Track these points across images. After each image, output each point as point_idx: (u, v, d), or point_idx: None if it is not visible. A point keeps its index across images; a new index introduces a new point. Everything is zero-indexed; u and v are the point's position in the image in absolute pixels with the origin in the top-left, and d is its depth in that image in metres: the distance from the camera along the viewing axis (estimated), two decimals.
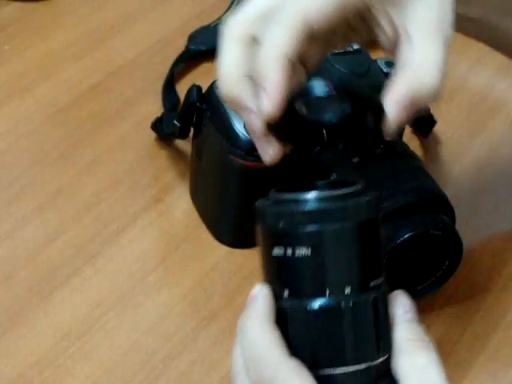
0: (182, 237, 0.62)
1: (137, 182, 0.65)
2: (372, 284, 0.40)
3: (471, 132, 0.71)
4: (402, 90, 0.43)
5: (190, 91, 0.60)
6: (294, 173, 0.51)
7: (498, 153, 0.70)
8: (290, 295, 0.40)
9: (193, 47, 0.75)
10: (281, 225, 0.39)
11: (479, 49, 0.58)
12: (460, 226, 0.55)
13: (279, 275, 0.40)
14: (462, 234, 0.54)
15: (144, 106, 0.71)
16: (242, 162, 0.56)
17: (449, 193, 0.55)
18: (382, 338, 0.40)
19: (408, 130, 0.68)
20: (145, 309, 0.58)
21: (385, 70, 0.57)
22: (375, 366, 0.39)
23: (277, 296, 0.40)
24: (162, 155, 0.67)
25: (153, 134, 0.68)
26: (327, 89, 0.42)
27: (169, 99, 0.71)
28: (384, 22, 0.44)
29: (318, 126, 0.42)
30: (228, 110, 0.57)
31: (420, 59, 0.43)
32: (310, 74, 0.45)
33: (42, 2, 0.80)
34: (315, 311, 0.39)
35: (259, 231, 0.41)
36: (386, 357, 0.40)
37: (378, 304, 0.40)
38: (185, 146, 0.67)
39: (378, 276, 0.40)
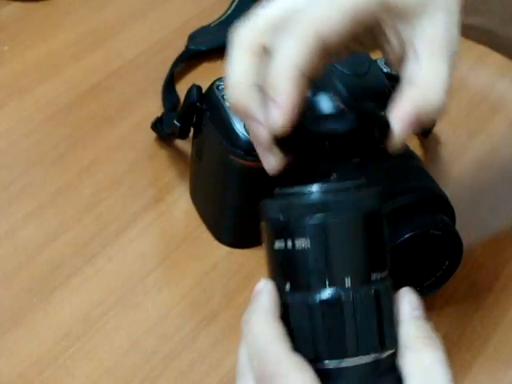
0: (182, 237, 0.62)
1: (137, 182, 0.65)
2: (374, 277, 0.40)
3: (471, 132, 0.71)
4: (408, 106, 0.43)
5: (189, 91, 0.60)
6: (294, 173, 0.51)
7: (498, 153, 0.70)
8: (291, 288, 0.40)
9: (193, 47, 0.75)
10: (281, 218, 0.40)
11: (479, 49, 0.58)
12: (460, 226, 0.55)
13: (281, 269, 0.41)
14: (461, 234, 0.54)
15: (144, 106, 0.71)
16: (242, 161, 0.56)
17: (449, 193, 0.55)
18: (385, 332, 0.40)
19: None
20: (145, 309, 0.58)
21: (385, 70, 0.57)
22: (378, 360, 0.39)
23: (280, 290, 0.41)
24: (162, 155, 0.67)
25: (153, 134, 0.68)
26: (335, 103, 0.42)
27: (169, 99, 0.71)
28: (392, 37, 0.45)
29: (322, 138, 0.42)
30: (228, 110, 0.57)
31: (426, 76, 0.44)
32: (317, 87, 0.45)
33: (41, 2, 0.80)
34: (315, 303, 0.39)
35: (262, 227, 0.42)
36: (391, 352, 0.40)
37: (381, 297, 0.40)
38: (185, 146, 0.67)
39: (380, 269, 0.40)
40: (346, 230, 0.40)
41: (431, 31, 0.44)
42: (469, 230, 0.59)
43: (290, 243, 0.40)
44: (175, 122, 0.62)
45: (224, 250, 0.62)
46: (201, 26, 0.78)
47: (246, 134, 0.56)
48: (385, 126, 0.43)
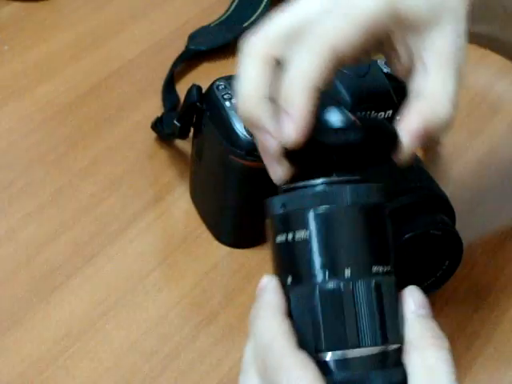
0: (182, 237, 0.62)
1: (137, 182, 0.65)
2: (375, 270, 0.40)
3: (471, 132, 0.71)
4: (416, 119, 0.43)
5: (189, 91, 0.60)
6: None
7: (498, 153, 0.70)
8: (292, 282, 0.40)
9: (193, 47, 0.75)
10: (282, 211, 0.41)
11: (479, 50, 0.58)
12: (460, 226, 0.55)
13: (283, 263, 0.41)
14: (461, 234, 0.54)
15: (144, 106, 0.71)
16: (242, 162, 0.56)
17: (449, 193, 0.56)
18: (387, 326, 0.40)
19: None
20: (145, 309, 0.58)
21: (385, 70, 0.57)
22: (381, 353, 0.39)
23: (283, 285, 0.41)
24: (162, 155, 0.67)
25: (153, 134, 0.68)
26: (345, 116, 0.42)
27: (169, 99, 0.71)
28: (401, 49, 0.45)
29: (330, 149, 0.42)
30: (228, 110, 0.57)
31: (434, 89, 0.44)
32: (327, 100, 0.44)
33: (41, 2, 0.80)
34: (315, 294, 0.39)
35: (267, 225, 0.42)
36: (395, 347, 0.40)
37: (382, 291, 0.40)
38: (185, 146, 0.67)
39: (382, 263, 0.40)
40: (345, 220, 0.40)
41: (440, 44, 0.44)
42: (469, 229, 0.59)
43: (290, 236, 0.40)
44: (175, 122, 0.62)
45: (224, 249, 0.62)
46: (201, 26, 0.78)
47: (245, 133, 0.56)
48: (394, 139, 0.43)
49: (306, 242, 0.40)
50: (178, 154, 0.67)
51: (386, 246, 0.41)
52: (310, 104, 0.41)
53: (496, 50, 0.59)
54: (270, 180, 0.45)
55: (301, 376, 0.38)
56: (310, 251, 0.40)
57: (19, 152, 0.67)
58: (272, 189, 0.44)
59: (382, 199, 0.41)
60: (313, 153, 0.42)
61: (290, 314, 0.40)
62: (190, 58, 0.75)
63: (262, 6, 0.78)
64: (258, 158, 0.49)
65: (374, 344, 0.39)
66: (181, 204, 0.64)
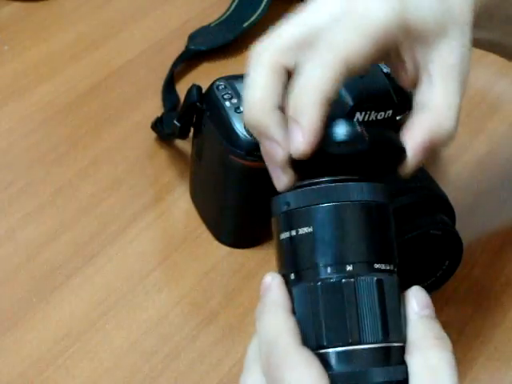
0: (182, 237, 0.62)
1: (137, 182, 0.65)
2: (377, 267, 0.40)
3: (471, 132, 0.71)
4: (421, 132, 0.44)
5: (189, 91, 0.60)
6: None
7: (498, 153, 0.70)
8: (295, 278, 0.41)
9: (193, 47, 0.75)
10: (286, 208, 0.41)
11: (479, 50, 0.58)
12: (460, 226, 0.55)
13: (286, 259, 0.42)
14: (461, 234, 0.54)
15: (144, 106, 0.71)
16: (242, 162, 0.56)
17: (449, 193, 0.56)
18: (389, 324, 0.40)
19: None
20: (145, 309, 0.58)
21: (385, 70, 0.57)
22: (383, 350, 0.39)
23: (286, 282, 0.41)
24: (162, 155, 0.67)
25: (153, 134, 0.68)
26: (353, 128, 0.42)
27: (169, 99, 0.71)
28: (407, 60, 0.45)
29: (334, 158, 0.42)
30: (228, 110, 0.57)
31: (439, 102, 0.44)
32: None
33: (41, 2, 0.80)
34: (316, 288, 0.40)
35: (272, 223, 0.43)
36: (397, 345, 0.40)
37: (384, 288, 0.40)
38: (185, 146, 0.67)
39: (384, 262, 0.40)
40: (348, 218, 0.40)
41: (447, 57, 0.44)
42: (469, 229, 0.59)
43: (294, 233, 0.41)
44: (175, 122, 0.62)
45: (224, 249, 0.62)
46: (201, 26, 0.78)
47: (246, 133, 0.56)
48: (399, 153, 0.43)
49: (309, 238, 0.40)
50: (178, 154, 0.67)
51: (388, 245, 0.41)
52: (321, 115, 0.41)
53: (497, 52, 0.59)
54: (270, 180, 0.45)
55: (305, 373, 0.38)
56: (312, 247, 0.40)
57: (19, 152, 0.67)
58: (272, 189, 0.44)
59: (385, 199, 0.42)
60: (318, 161, 0.42)
61: (294, 310, 0.41)
62: (190, 58, 0.75)
63: (262, 5, 0.78)
64: (258, 158, 0.49)
65: (375, 341, 0.39)
66: (181, 204, 0.64)
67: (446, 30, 0.44)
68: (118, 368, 0.54)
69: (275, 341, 0.40)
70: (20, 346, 0.55)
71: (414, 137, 0.43)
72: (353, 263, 0.40)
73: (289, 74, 0.43)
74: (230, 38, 0.76)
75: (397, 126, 0.46)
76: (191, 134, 0.62)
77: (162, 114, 0.68)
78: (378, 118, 0.50)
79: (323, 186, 0.41)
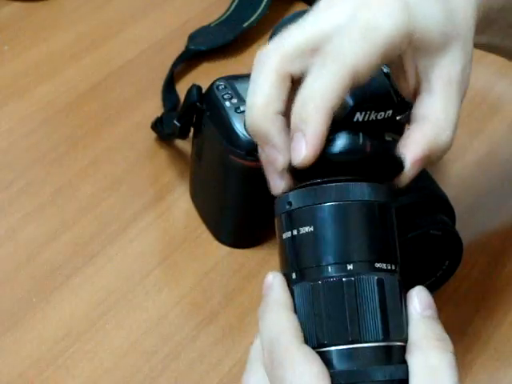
0: (182, 237, 0.62)
1: (137, 182, 0.65)
2: (378, 266, 0.40)
3: (471, 132, 0.71)
4: (419, 145, 0.44)
5: (189, 91, 0.60)
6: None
7: (498, 153, 0.70)
8: (296, 277, 0.41)
9: (193, 47, 0.75)
10: (289, 208, 0.41)
11: (479, 50, 0.58)
12: (460, 226, 0.55)
13: (288, 259, 0.42)
14: (461, 234, 0.54)
15: (144, 106, 0.71)
16: (241, 162, 0.56)
17: (449, 193, 0.56)
18: (390, 323, 0.40)
19: None
20: (145, 309, 0.58)
21: (385, 70, 0.57)
22: (383, 349, 0.40)
23: (288, 281, 0.42)
24: (162, 155, 0.67)
25: (153, 134, 0.68)
26: (356, 138, 0.42)
27: (169, 99, 0.71)
28: (409, 69, 0.45)
29: (332, 164, 0.42)
30: (228, 110, 0.57)
31: (438, 115, 0.44)
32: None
33: (41, 2, 0.80)
34: (317, 287, 0.40)
35: (276, 223, 0.43)
36: (398, 344, 0.40)
37: (385, 287, 0.40)
38: (185, 146, 0.67)
39: (385, 261, 0.41)
40: (349, 217, 0.41)
41: (449, 69, 0.44)
42: (469, 229, 0.59)
43: (295, 232, 0.41)
44: (175, 122, 0.62)
45: (224, 250, 0.62)
46: (201, 26, 0.78)
47: (246, 134, 0.56)
48: (397, 164, 0.43)
49: (310, 237, 0.41)
50: (178, 154, 0.67)
51: (390, 244, 0.42)
52: (325, 125, 0.41)
53: (496, 53, 0.59)
54: None
55: (306, 370, 0.39)
56: (313, 247, 0.41)
57: (19, 152, 0.67)
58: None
59: (387, 199, 0.42)
60: (317, 167, 0.42)
61: (295, 309, 0.41)
62: (190, 58, 0.75)
63: (262, 5, 0.78)
64: (258, 158, 0.49)
65: (375, 340, 0.39)
66: (181, 204, 0.64)
67: (450, 42, 0.44)
68: (117, 368, 0.54)
69: (277, 339, 0.40)
70: (20, 346, 0.55)
71: (413, 149, 0.44)
72: (353, 262, 0.40)
73: (293, 81, 0.43)
74: (230, 37, 0.76)
75: (397, 126, 0.46)
76: (191, 134, 0.62)
77: (162, 114, 0.68)
78: (378, 117, 0.50)
79: (324, 185, 0.41)
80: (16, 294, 0.58)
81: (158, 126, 0.67)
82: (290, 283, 0.41)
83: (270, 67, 0.43)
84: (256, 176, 0.54)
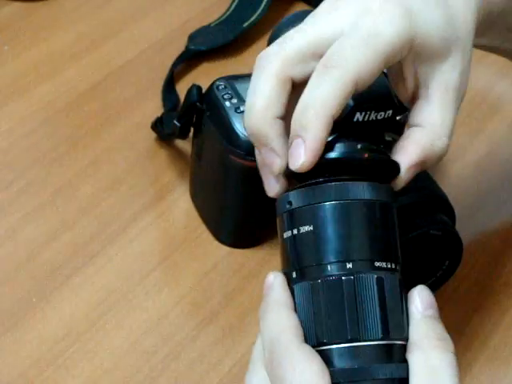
0: (182, 237, 0.62)
1: (137, 182, 0.65)
2: (378, 265, 0.40)
3: (471, 132, 0.71)
4: (414, 151, 0.44)
5: (189, 91, 0.60)
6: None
7: (498, 153, 0.70)
8: (297, 276, 0.41)
9: (193, 47, 0.75)
10: (288, 208, 0.42)
11: (479, 50, 0.58)
12: (460, 226, 0.55)
13: (288, 258, 0.42)
14: (461, 234, 0.54)
15: (144, 106, 0.71)
16: (241, 162, 0.56)
17: (449, 193, 0.56)
18: (389, 321, 0.40)
19: None
20: (145, 309, 0.58)
21: (385, 70, 0.57)
22: (383, 348, 0.40)
23: (289, 280, 0.42)
24: (162, 155, 0.67)
25: (153, 134, 0.68)
26: (353, 145, 0.43)
27: (169, 99, 0.71)
28: (409, 75, 0.45)
29: (326, 166, 0.42)
30: (228, 110, 0.57)
31: (435, 122, 0.44)
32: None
33: (41, 2, 0.80)
34: (316, 285, 0.40)
35: (277, 223, 0.43)
36: (398, 343, 0.40)
37: (385, 286, 0.40)
38: (185, 146, 0.67)
39: (385, 260, 0.41)
40: (349, 216, 0.41)
41: (448, 77, 0.44)
42: (469, 230, 0.59)
43: (295, 231, 0.41)
44: (175, 121, 0.62)
45: (224, 250, 0.62)
46: (201, 26, 0.78)
47: (246, 134, 0.56)
48: (393, 169, 0.44)
49: (310, 237, 0.41)
50: (177, 154, 0.67)
51: (390, 243, 0.42)
52: (325, 132, 0.41)
53: (496, 54, 0.59)
54: None
55: (306, 368, 0.39)
56: (313, 246, 0.41)
57: (19, 152, 0.67)
58: None
59: (387, 198, 0.42)
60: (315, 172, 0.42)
61: (296, 308, 0.41)
62: (190, 58, 0.75)
63: (262, 5, 0.78)
64: None
65: (375, 338, 0.39)
66: (181, 204, 0.64)
67: (450, 47, 0.44)
68: (117, 368, 0.54)
69: (277, 338, 0.40)
70: (20, 346, 0.55)
71: (408, 154, 0.44)
72: (353, 261, 0.40)
73: (293, 84, 0.43)
74: (230, 37, 0.76)
75: (397, 126, 0.46)
76: (191, 133, 0.62)
77: (162, 114, 0.68)
78: (378, 118, 0.50)
79: (324, 185, 0.41)
80: (16, 294, 0.58)
81: (158, 125, 0.67)
82: (290, 282, 0.42)
83: (271, 71, 0.43)
84: (256, 176, 0.54)
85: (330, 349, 0.40)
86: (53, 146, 0.67)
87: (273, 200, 0.44)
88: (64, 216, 0.62)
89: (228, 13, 0.79)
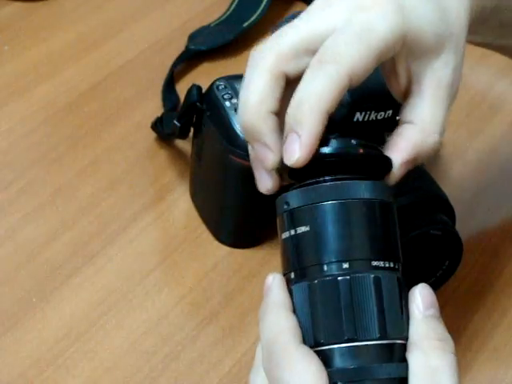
0: (182, 237, 0.62)
1: (137, 182, 0.65)
2: (375, 264, 0.40)
3: (471, 132, 0.71)
4: (406, 148, 0.44)
5: (189, 91, 0.60)
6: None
7: (498, 153, 0.70)
8: (295, 277, 0.41)
9: (193, 47, 0.75)
10: (285, 209, 0.42)
11: (479, 49, 0.58)
12: (460, 226, 0.55)
13: (287, 258, 0.42)
14: (461, 234, 0.54)
15: (144, 106, 0.71)
16: (241, 161, 0.56)
17: (449, 193, 0.56)
18: (387, 321, 0.40)
19: None
20: (145, 309, 0.58)
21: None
22: (381, 347, 0.39)
23: (288, 281, 0.42)
24: (162, 155, 0.67)
25: (153, 134, 0.68)
26: (350, 142, 0.43)
27: (169, 99, 0.71)
28: (401, 71, 0.45)
29: (320, 161, 0.42)
30: (228, 110, 0.57)
31: (426, 119, 0.44)
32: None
33: (41, 2, 0.80)
34: (313, 286, 0.40)
35: (277, 223, 0.43)
36: (397, 343, 0.40)
37: (382, 285, 0.40)
38: (185, 146, 0.67)
39: (384, 258, 0.41)
40: (344, 215, 0.41)
41: (440, 74, 0.44)
42: (469, 230, 0.59)
43: (293, 231, 0.41)
44: (175, 121, 0.62)
45: (224, 249, 0.62)
46: (201, 26, 0.78)
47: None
48: (386, 165, 0.44)
49: (307, 237, 0.41)
50: (177, 154, 0.67)
51: (388, 242, 0.42)
52: (320, 127, 0.41)
53: (493, 50, 0.59)
54: None
55: (304, 369, 0.39)
56: (310, 246, 0.41)
57: (19, 152, 0.67)
58: None
59: (384, 196, 0.42)
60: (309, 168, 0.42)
61: (294, 309, 0.41)
62: (190, 58, 0.75)
63: (262, 5, 0.78)
64: None
65: (372, 338, 0.39)
66: (181, 204, 0.64)
67: (443, 43, 0.44)
68: (117, 368, 0.54)
69: (275, 340, 0.40)
70: (20, 346, 0.55)
71: (400, 151, 0.44)
72: (349, 261, 0.40)
73: (287, 80, 0.43)
74: (229, 37, 0.76)
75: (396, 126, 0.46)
76: (191, 133, 0.62)
77: (162, 114, 0.68)
78: (378, 118, 0.50)
79: (319, 185, 0.41)
80: (16, 294, 0.58)
81: (158, 126, 0.67)
82: (289, 283, 0.42)
83: (265, 66, 0.43)
84: None
85: (327, 349, 0.40)
86: (53, 145, 0.67)
87: (273, 200, 0.44)
88: (64, 216, 0.62)
89: (228, 13, 0.79)
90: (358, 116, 0.49)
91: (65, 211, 0.63)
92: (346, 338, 0.39)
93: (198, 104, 0.59)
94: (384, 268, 0.40)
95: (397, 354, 0.40)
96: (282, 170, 0.43)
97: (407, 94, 0.46)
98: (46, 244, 0.61)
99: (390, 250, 0.41)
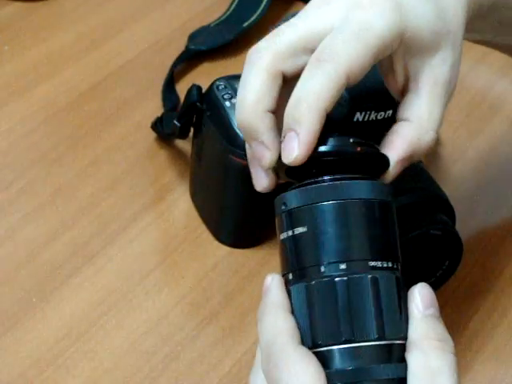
0: (182, 237, 0.62)
1: (137, 182, 0.65)
2: (372, 264, 0.40)
3: (471, 132, 0.71)
4: (402, 145, 0.44)
5: (189, 91, 0.60)
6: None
7: (498, 153, 0.70)
8: (293, 277, 0.41)
9: (193, 47, 0.75)
10: (283, 209, 0.42)
11: (479, 49, 0.58)
12: (460, 226, 0.55)
13: (285, 259, 0.42)
14: (461, 234, 0.54)
15: (144, 106, 0.71)
16: (241, 161, 0.56)
17: (449, 193, 0.56)
18: (385, 321, 0.40)
19: None
20: (145, 309, 0.58)
21: None
22: (379, 348, 0.39)
23: (286, 282, 0.42)
24: (162, 155, 0.67)
25: (153, 134, 0.68)
26: (346, 140, 0.43)
27: (169, 99, 0.71)
28: (399, 68, 0.45)
29: (316, 160, 0.42)
30: (228, 110, 0.57)
31: (423, 117, 0.44)
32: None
33: (41, 2, 0.80)
34: (310, 287, 0.40)
35: (276, 223, 0.43)
36: (396, 343, 0.40)
37: (380, 285, 0.40)
38: (185, 146, 0.67)
39: (382, 259, 0.41)
40: (340, 216, 0.41)
41: (438, 72, 0.44)
42: (469, 230, 0.59)
43: (290, 232, 0.41)
44: (175, 121, 0.62)
45: (224, 249, 0.62)
46: (201, 26, 0.78)
47: None
48: (383, 163, 0.44)
49: (304, 238, 0.41)
50: (177, 154, 0.67)
51: (387, 242, 0.41)
52: (318, 125, 0.41)
53: (491, 48, 0.59)
54: None
55: (302, 370, 0.39)
56: (307, 247, 0.41)
57: (19, 152, 0.67)
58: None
59: (384, 196, 0.42)
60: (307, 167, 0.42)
61: (292, 310, 0.41)
62: (190, 58, 0.75)
63: (262, 5, 0.78)
64: None
65: (369, 339, 0.39)
66: (181, 204, 0.64)
67: (440, 41, 0.44)
68: (117, 368, 0.54)
69: (273, 341, 0.40)
70: (20, 346, 0.55)
71: (396, 149, 0.44)
72: (347, 262, 0.40)
73: (284, 79, 0.43)
74: (229, 37, 0.76)
75: None
76: (191, 133, 0.62)
77: (162, 114, 0.68)
78: (378, 117, 0.50)
79: (317, 185, 0.41)
80: (16, 294, 0.58)
81: (158, 126, 0.67)
82: (288, 284, 0.42)
83: (262, 65, 0.43)
84: None
85: (325, 350, 0.39)
86: (53, 145, 0.67)
87: (273, 200, 0.44)
88: (64, 216, 0.62)
89: (228, 13, 0.79)
90: (358, 116, 0.49)
91: (65, 211, 0.63)
92: (343, 339, 0.39)
93: (198, 104, 0.59)
94: (382, 268, 0.40)
95: (395, 355, 0.40)
96: (279, 168, 0.43)
97: (404, 91, 0.46)
98: (46, 244, 0.61)
99: (388, 249, 0.41)
